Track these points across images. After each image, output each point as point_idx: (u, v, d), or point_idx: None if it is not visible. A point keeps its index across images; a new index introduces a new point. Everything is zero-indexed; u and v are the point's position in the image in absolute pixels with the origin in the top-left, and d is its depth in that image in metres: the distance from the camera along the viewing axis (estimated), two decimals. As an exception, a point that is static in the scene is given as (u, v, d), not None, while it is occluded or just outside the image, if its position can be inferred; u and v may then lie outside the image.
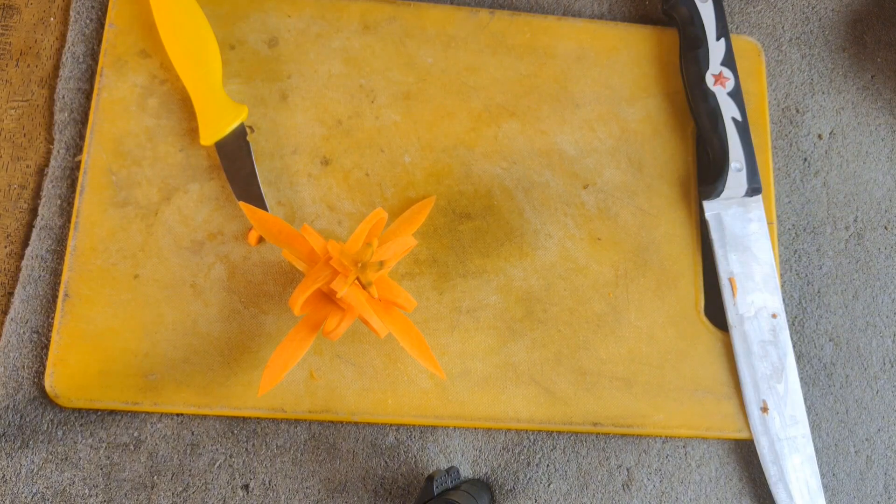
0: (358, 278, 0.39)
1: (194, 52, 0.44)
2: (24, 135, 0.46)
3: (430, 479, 0.38)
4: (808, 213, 0.50)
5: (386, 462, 0.43)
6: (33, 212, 0.45)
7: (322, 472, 0.43)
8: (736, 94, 0.47)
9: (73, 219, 0.43)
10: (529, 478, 0.44)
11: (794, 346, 0.47)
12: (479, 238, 0.46)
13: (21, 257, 0.44)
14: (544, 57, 0.49)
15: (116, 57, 0.46)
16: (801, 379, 0.47)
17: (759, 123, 0.50)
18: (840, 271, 0.50)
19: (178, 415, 0.43)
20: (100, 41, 0.47)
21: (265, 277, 0.44)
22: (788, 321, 0.48)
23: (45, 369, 0.42)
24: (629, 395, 0.44)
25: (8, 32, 0.47)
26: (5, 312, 0.43)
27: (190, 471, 0.42)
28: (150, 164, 0.45)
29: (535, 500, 0.44)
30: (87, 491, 0.41)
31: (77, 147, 0.45)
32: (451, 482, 0.40)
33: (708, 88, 0.47)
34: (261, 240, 0.44)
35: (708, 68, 0.48)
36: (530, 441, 0.44)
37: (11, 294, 0.43)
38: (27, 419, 0.42)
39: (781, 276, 0.49)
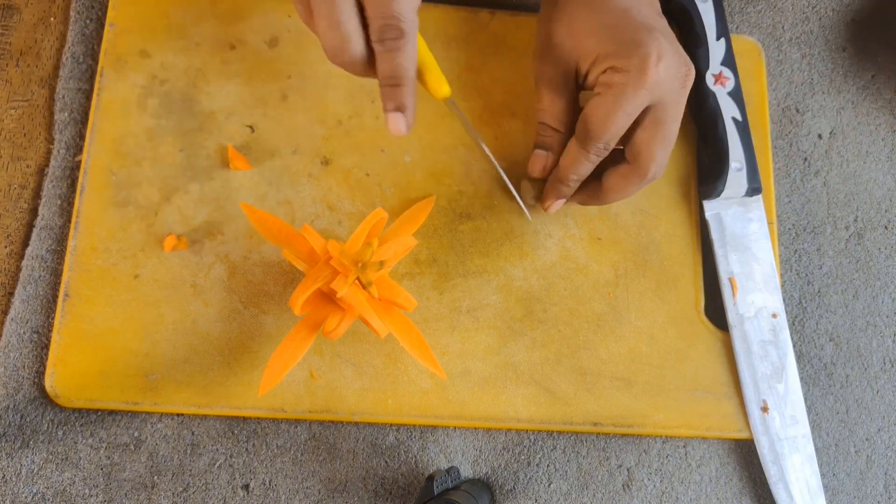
0: (358, 278, 0.39)
1: None
2: (25, 135, 0.46)
3: (431, 478, 0.38)
4: (809, 213, 0.50)
5: (386, 462, 0.43)
6: (33, 212, 0.45)
7: (322, 472, 0.43)
8: (736, 94, 0.47)
9: (74, 219, 0.43)
10: (530, 478, 0.44)
11: (794, 346, 0.47)
12: (479, 238, 0.46)
13: (21, 257, 0.44)
14: (544, 57, 0.49)
15: (116, 57, 0.46)
16: (802, 379, 0.47)
17: (759, 123, 0.50)
18: (840, 271, 0.50)
19: (178, 415, 0.42)
20: (100, 41, 0.47)
21: (265, 277, 0.44)
22: (788, 321, 0.48)
23: (45, 369, 0.42)
24: (629, 395, 0.44)
25: (8, 32, 0.47)
26: (5, 312, 0.43)
27: (190, 471, 0.42)
28: (150, 164, 0.45)
29: (536, 500, 0.44)
30: (87, 491, 0.41)
31: (77, 147, 0.45)
32: (452, 482, 0.40)
33: (708, 88, 0.47)
34: (175, 245, 0.43)
35: (708, 68, 0.48)
36: (530, 441, 0.44)
37: (11, 294, 0.43)
38: (27, 419, 0.42)
39: (781, 275, 0.49)
